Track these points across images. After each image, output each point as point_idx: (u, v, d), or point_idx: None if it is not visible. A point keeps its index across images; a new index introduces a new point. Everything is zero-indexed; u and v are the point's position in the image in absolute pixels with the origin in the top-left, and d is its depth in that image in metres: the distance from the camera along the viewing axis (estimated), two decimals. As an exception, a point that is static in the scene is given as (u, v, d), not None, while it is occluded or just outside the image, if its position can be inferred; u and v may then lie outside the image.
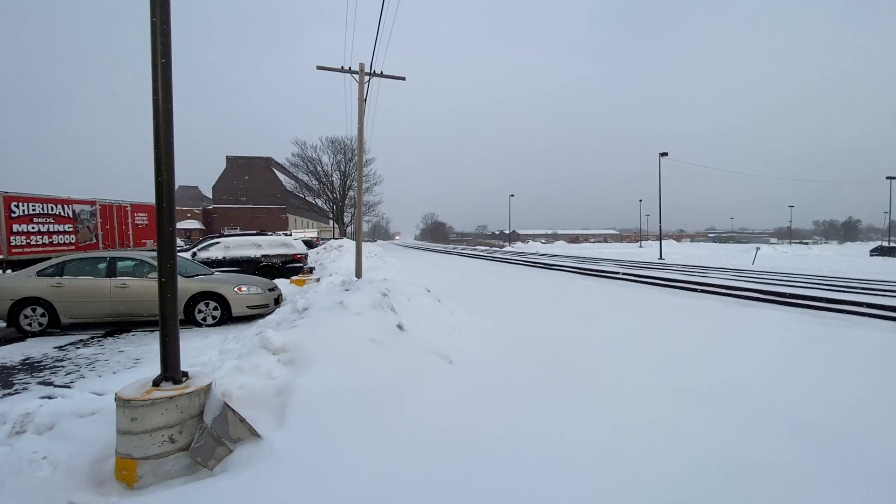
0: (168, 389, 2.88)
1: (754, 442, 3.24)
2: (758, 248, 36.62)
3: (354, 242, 13.02)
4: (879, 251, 42.83)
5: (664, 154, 33.75)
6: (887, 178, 48.90)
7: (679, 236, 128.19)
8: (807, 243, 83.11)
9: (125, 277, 7.77)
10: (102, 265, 7.85)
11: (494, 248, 65.15)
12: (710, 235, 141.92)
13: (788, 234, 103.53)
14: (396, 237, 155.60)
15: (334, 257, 19.98)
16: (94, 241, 14.14)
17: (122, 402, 2.76)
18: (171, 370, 2.97)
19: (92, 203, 14.17)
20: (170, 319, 2.96)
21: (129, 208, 15.95)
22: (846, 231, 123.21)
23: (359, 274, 11.83)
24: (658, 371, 4.87)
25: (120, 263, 7.92)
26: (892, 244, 47.64)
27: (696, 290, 12.98)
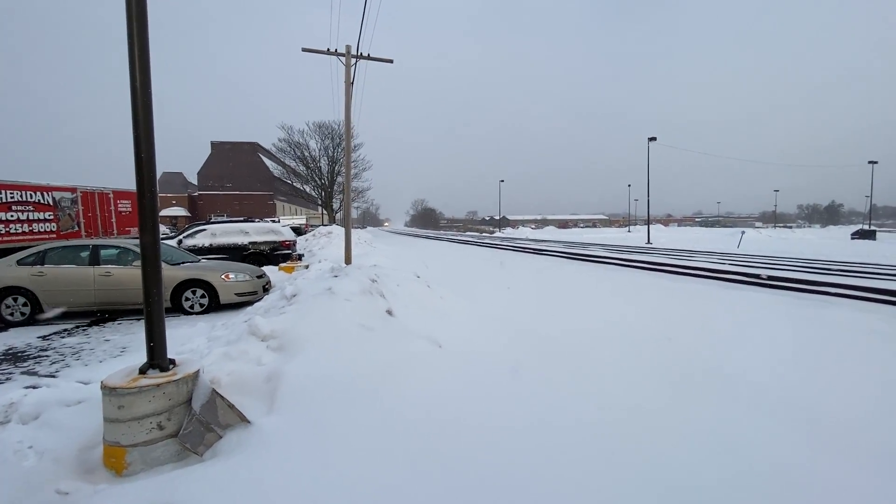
0: (155, 377, 2.86)
1: (739, 420, 3.34)
2: (743, 233, 37.22)
3: (343, 229, 12.93)
4: (860, 234, 43.79)
5: (653, 139, 33.87)
6: (869, 162, 49.76)
7: (667, 221, 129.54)
8: (790, 227, 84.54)
9: (109, 265, 7.63)
10: (85, 253, 7.70)
11: (485, 234, 65.23)
12: (697, 220, 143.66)
13: (773, 218, 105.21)
14: (386, 224, 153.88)
15: (323, 244, 19.85)
16: (76, 229, 13.83)
17: (108, 391, 2.74)
18: (157, 358, 2.94)
19: (73, 190, 13.82)
20: (155, 306, 2.93)
21: (111, 195, 15.59)
22: (829, 215, 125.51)
23: (348, 260, 11.78)
24: (647, 354, 4.96)
25: (103, 251, 7.78)
26: (872, 228, 48.74)
27: (682, 273, 13.18)
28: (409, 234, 66.06)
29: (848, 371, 4.44)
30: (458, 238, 47.47)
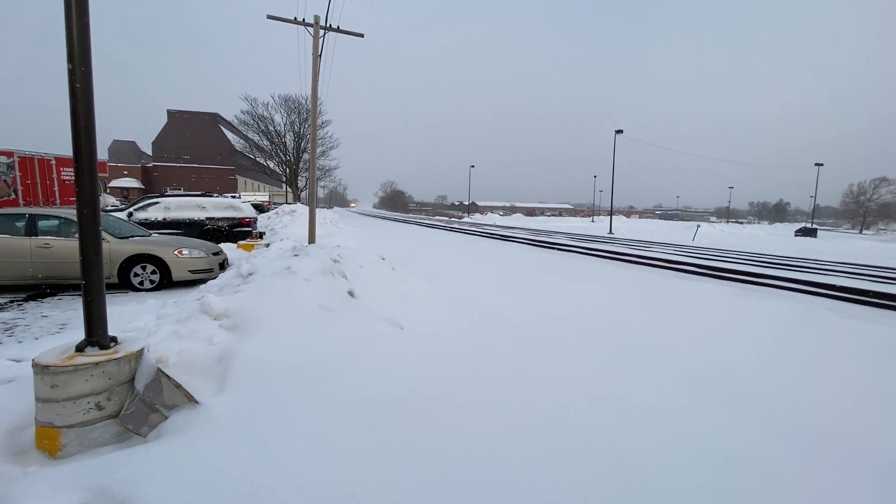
0: (93, 355, 2.70)
1: (676, 398, 3.52)
2: (698, 226, 38.99)
3: (308, 208, 12.58)
4: (803, 232, 46.95)
5: (619, 131, 34.64)
6: (815, 164, 52.96)
7: (629, 212, 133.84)
8: (742, 223, 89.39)
9: (48, 237, 7.10)
10: (21, 223, 7.13)
11: (453, 219, 65.31)
12: (657, 213, 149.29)
13: (727, 214, 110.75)
14: (352, 204, 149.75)
15: (286, 223, 19.30)
16: (13, 196, 12.77)
17: (41, 369, 2.56)
18: (96, 334, 2.77)
19: (9, 154, 12.69)
20: (93, 278, 2.73)
21: (53, 162, 14.43)
22: (776, 213, 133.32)
23: (312, 240, 11.51)
24: (602, 338, 5.15)
25: (42, 222, 7.23)
26: (814, 226, 52.32)
27: (640, 263, 13.69)
28: (378, 217, 65.21)
29: (776, 355, 4.76)
30: (427, 222, 47.31)
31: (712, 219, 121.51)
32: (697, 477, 2.56)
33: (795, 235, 44.83)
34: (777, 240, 33.05)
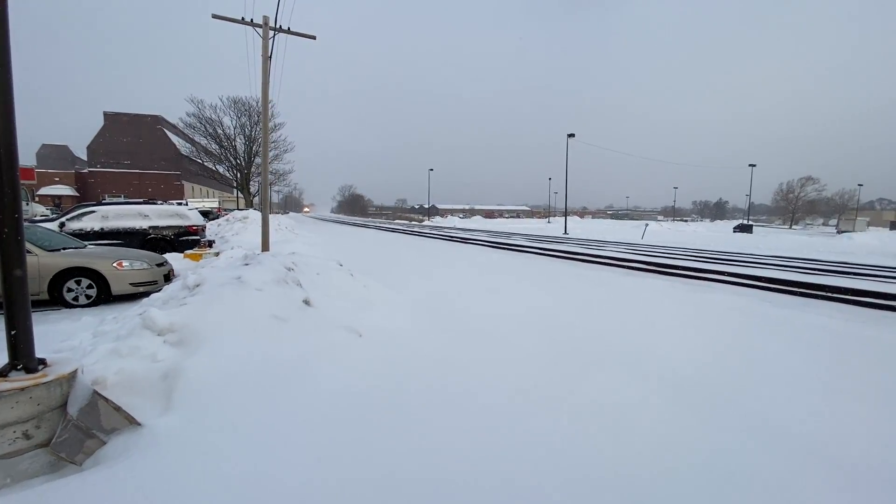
0: (19, 379, 2.49)
1: (625, 388, 3.70)
2: (647, 225, 41.02)
3: (261, 213, 12.15)
4: (740, 228, 50.48)
5: (571, 135, 35.87)
6: (749, 165, 57.05)
7: (582, 213, 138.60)
8: (686, 221, 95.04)
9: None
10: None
11: (414, 223, 65.15)
12: (608, 212, 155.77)
13: (672, 213, 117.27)
14: (305, 209, 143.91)
15: (238, 230, 18.55)
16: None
17: (-44, 398, 2.34)
18: (22, 357, 2.56)
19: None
20: (17, 295, 2.52)
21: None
22: (717, 210, 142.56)
23: (266, 247, 11.15)
24: (555, 336, 5.30)
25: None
26: (750, 223, 56.40)
27: (593, 261, 14.22)
28: (336, 221, 63.99)
29: (713, 342, 5.10)
30: (387, 226, 46.94)
31: (659, 217, 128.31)
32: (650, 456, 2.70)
33: (734, 231, 48.14)
34: (718, 236, 35.33)
